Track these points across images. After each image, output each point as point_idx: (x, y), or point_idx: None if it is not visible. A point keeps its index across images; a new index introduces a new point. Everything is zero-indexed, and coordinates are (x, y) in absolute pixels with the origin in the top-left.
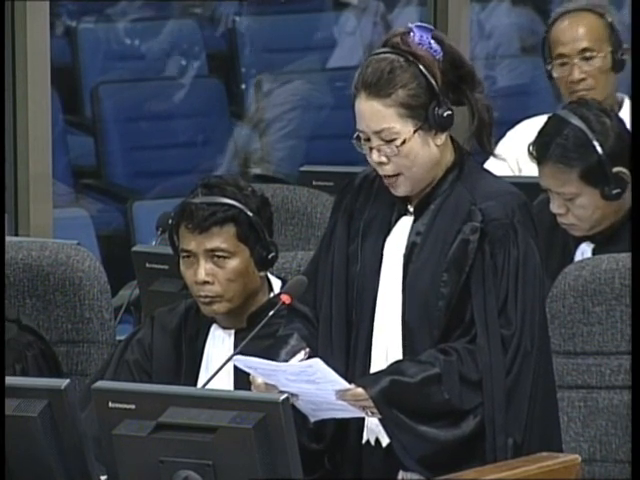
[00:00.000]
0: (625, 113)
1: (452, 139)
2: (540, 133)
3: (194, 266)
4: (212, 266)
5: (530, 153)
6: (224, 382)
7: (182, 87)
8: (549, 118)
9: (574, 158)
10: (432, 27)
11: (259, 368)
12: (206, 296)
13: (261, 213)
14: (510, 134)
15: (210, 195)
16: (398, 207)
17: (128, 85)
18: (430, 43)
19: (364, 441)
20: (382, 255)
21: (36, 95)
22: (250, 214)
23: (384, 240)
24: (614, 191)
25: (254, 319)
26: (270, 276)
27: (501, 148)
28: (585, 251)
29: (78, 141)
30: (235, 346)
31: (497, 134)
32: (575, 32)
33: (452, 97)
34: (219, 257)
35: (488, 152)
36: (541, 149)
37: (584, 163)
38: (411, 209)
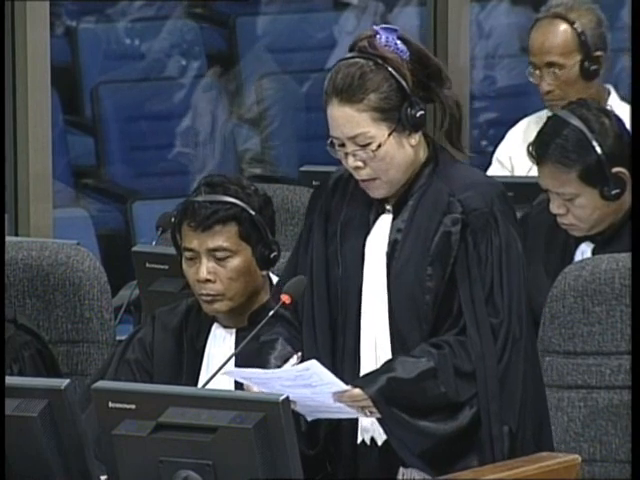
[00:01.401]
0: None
1: (425, 134)
2: (539, 133)
3: (196, 264)
4: (214, 264)
5: (529, 153)
6: (224, 382)
7: (182, 87)
8: (548, 118)
9: (573, 158)
10: (396, 27)
11: (253, 377)
12: (208, 294)
13: (263, 212)
14: (507, 134)
15: (213, 194)
16: (376, 206)
17: (128, 85)
18: (396, 44)
19: (359, 441)
20: (364, 255)
21: (36, 95)
22: (252, 213)
23: (364, 240)
24: (613, 191)
25: (255, 318)
26: (272, 275)
27: (500, 148)
28: (585, 251)
29: (78, 141)
30: (236, 345)
31: (497, 134)
32: (542, 44)
33: (422, 95)
34: (221, 256)
35: (457, 148)
36: (540, 149)
37: (583, 163)
38: (389, 207)
